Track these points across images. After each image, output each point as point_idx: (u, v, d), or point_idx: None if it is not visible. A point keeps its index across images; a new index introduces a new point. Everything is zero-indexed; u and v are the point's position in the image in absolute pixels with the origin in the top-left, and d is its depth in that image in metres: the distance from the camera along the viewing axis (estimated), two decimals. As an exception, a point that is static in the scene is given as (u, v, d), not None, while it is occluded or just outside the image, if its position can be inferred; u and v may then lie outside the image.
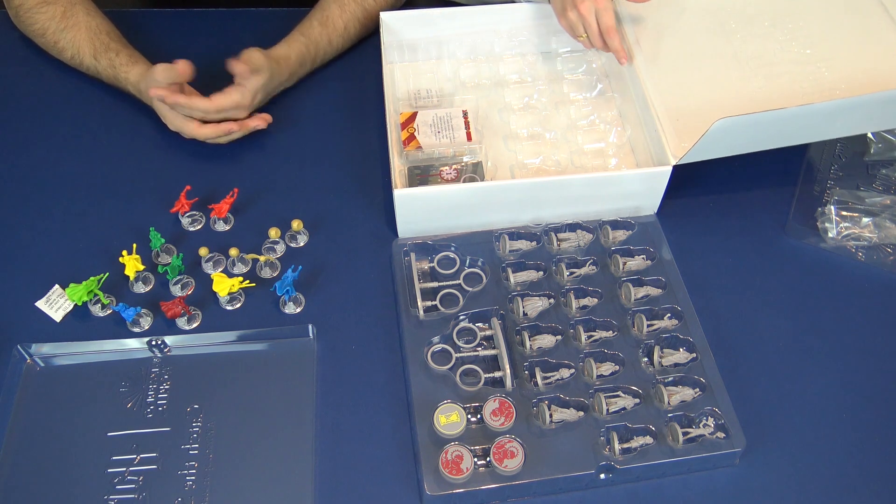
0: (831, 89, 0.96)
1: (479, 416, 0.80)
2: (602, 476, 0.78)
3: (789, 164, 1.05)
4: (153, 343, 0.86)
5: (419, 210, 0.93)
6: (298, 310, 0.91)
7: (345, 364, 0.86)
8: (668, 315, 0.88)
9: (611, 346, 0.86)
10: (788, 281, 0.94)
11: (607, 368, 0.84)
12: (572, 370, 0.83)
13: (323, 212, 1.00)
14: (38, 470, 0.78)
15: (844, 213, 0.97)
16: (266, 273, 0.94)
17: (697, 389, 0.82)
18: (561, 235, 0.94)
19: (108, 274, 0.91)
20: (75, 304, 0.89)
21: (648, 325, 0.87)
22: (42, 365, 0.86)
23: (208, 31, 1.18)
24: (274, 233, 0.93)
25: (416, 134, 1.01)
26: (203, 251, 0.92)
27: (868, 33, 1.01)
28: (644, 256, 0.93)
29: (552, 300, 0.89)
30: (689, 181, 0.99)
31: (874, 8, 1.03)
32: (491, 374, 0.83)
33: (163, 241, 0.94)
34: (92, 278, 0.89)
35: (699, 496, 0.78)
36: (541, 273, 0.91)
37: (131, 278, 0.91)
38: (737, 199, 1.02)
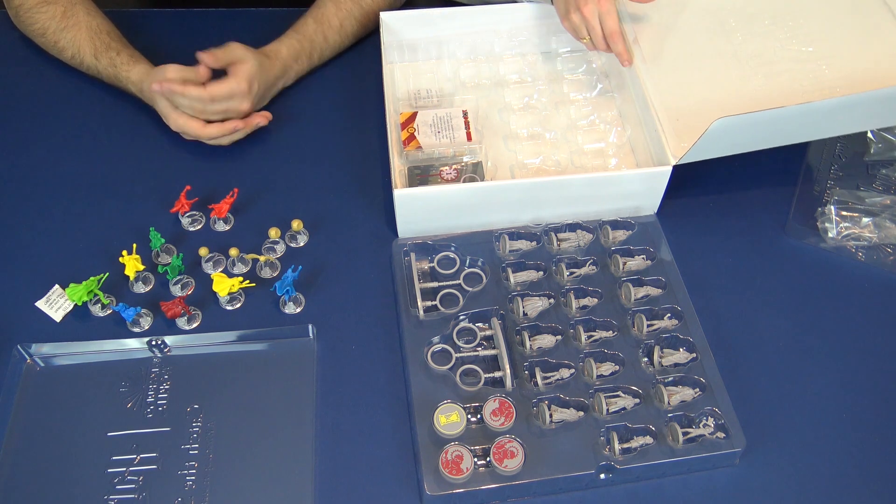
0: (832, 87, 0.96)
1: (479, 416, 0.80)
2: (602, 476, 0.78)
3: (789, 164, 1.04)
4: (153, 343, 0.86)
5: (419, 210, 0.93)
6: (298, 310, 0.91)
7: (345, 364, 0.86)
8: (668, 315, 0.88)
9: (611, 346, 0.86)
10: (788, 281, 0.94)
11: (607, 368, 0.84)
12: (572, 370, 0.83)
13: (323, 212, 1.00)
14: (38, 470, 0.78)
15: (844, 213, 0.97)
16: (266, 273, 0.94)
17: (697, 389, 0.82)
18: (561, 235, 0.94)
19: (108, 274, 0.91)
20: (75, 304, 0.89)
21: (648, 325, 0.87)
22: (42, 365, 0.86)
23: (208, 31, 1.18)
24: (274, 233, 0.93)
25: (416, 134, 1.01)
26: (203, 251, 0.92)
27: (869, 30, 1.01)
28: (644, 256, 0.93)
29: (552, 300, 0.89)
30: (689, 181, 0.99)
31: (876, 5, 1.03)
32: (491, 374, 0.83)
33: (163, 241, 0.94)
34: (92, 278, 0.89)
35: (699, 496, 0.78)
36: (541, 273, 0.91)
37: (131, 278, 0.91)
38: (737, 199, 1.02)
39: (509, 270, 0.91)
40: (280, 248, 0.96)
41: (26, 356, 0.86)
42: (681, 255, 0.94)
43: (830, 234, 0.96)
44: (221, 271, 0.93)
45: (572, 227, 0.95)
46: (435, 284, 0.91)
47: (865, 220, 0.96)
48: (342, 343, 0.88)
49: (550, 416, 0.79)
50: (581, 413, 0.80)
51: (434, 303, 0.89)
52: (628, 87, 1.05)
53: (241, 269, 0.94)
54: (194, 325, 0.89)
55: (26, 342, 0.86)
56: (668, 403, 0.81)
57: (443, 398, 0.81)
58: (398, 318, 0.89)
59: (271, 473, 0.78)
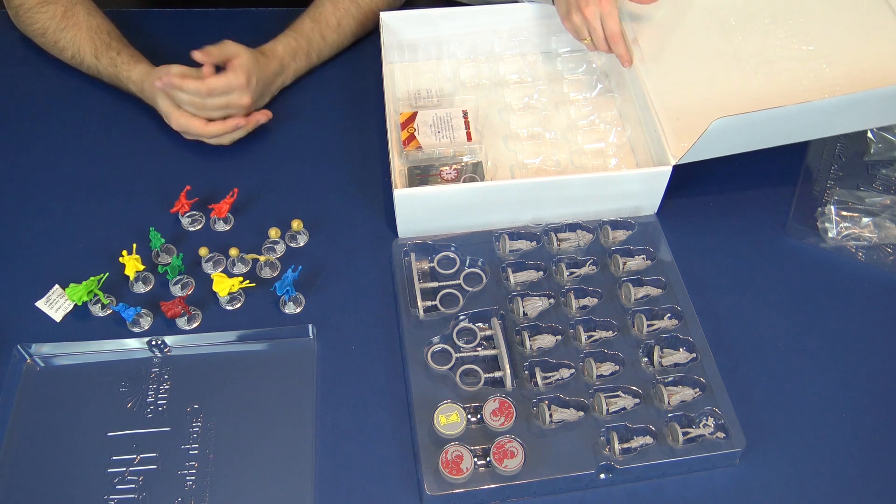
0: (832, 86, 0.96)
1: (479, 416, 0.80)
2: (602, 476, 0.78)
3: (789, 164, 1.05)
4: (153, 343, 0.86)
5: (419, 210, 0.93)
6: (298, 310, 0.91)
7: (345, 364, 0.86)
8: (668, 315, 0.88)
9: (611, 346, 0.86)
10: (788, 281, 0.94)
11: (607, 368, 0.84)
12: (572, 370, 0.83)
13: (323, 212, 1.00)
14: (38, 470, 0.78)
15: (844, 213, 0.97)
16: (266, 273, 0.94)
17: (697, 389, 0.82)
18: (561, 235, 0.94)
19: (108, 274, 0.91)
20: (75, 304, 0.89)
21: (648, 325, 0.87)
22: (42, 365, 0.86)
23: (208, 31, 1.18)
24: (274, 233, 0.93)
25: (416, 134, 1.01)
26: (203, 251, 0.92)
27: (870, 29, 1.01)
28: (644, 256, 0.93)
29: (552, 300, 0.89)
30: (688, 181, 0.99)
31: (876, 3, 1.02)
32: (491, 374, 0.83)
33: (163, 241, 0.94)
34: (92, 278, 0.89)
35: (699, 496, 0.78)
36: (541, 273, 0.91)
37: (131, 278, 0.91)
38: (737, 199, 1.02)
39: (509, 270, 0.91)
40: (280, 248, 0.96)
41: (26, 356, 0.86)
42: (681, 255, 0.94)
43: (830, 234, 0.96)
44: (221, 271, 0.93)
45: (572, 227, 0.95)
46: (435, 284, 0.91)
47: (865, 220, 0.96)
48: (342, 343, 0.88)
49: (550, 416, 0.79)
50: (581, 413, 0.80)
51: (434, 303, 0.89)
52: (628, 87, 1.05)
53: (241, 269, 0.94)
54: (194, 325, 0.89)
55: (26, 342, 0.86)
56: (668, 403, 0.81)
57: (443, 398, 0.81)
58: (398, 318, 0.89)
59: (271, 473, 0.78)
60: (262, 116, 1.04)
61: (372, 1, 1.15)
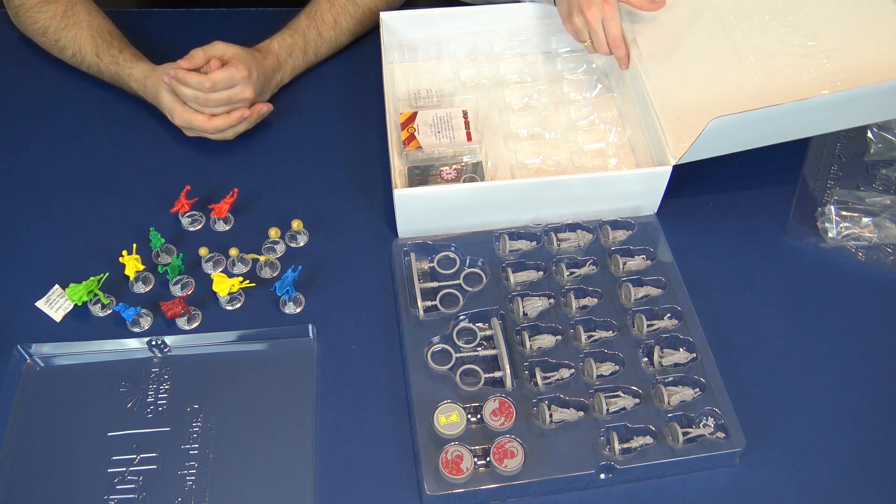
0: (833, 81, 0.95)
1: (479, 416, 0.80)
2: (602, 476, 0.78)
3: (789, 163, 1.04)
4: (153, 343, 0.86)
5: (419, 210, 0.93)
6: (298, 310, 0.91)
7: (345, 364, 0.86)
8: (668, 315, 0.88)
9: (611, 346, 0.86)
10: (788, 281, 0.94)
11: (607, 368, 0.84)
12: (572, 370, 0.83)
13: (323, 212, 1.00)
14: (38, 470, 0.78)
15: (844, 213, 0.97)
16: (266, 273, 0.94)
17: (697, 389, 0.82)
18: (561, 235, 0.94)
19: (108, 274, 0.91)
20: (75, 304, 0.89)
21: (648, 325, 0.87)
22: (42, 365, 0.86)
23: (208, 31, 1.18)
24: (274, 233, 0.93)
25: (416, 134, 1.01)
26: (203, 251, 0.92)
27: (870, 23, 1.00)
28: (644, 256, 0.93)
29: (552, 300, 0.89)
30: (688, 181, 0.99)
31: None
32: (491, 374, 0.83)
33: (163, 241, 0.94)
34: (92, 278, 0.89)
35: (699, 496, 0.78)
36: (541, 273, 0.91)
37: (131, 278, 0.91)
38: (737, 199, 1.02)
39: (509, 270, 0.91)
40: (280, 248, 0.96)
41: (26, 356, 0.86)
42: (681, 255, 0.94)
43: (830, 234, 0.96)
44: (221, 271, 0.93)
45: (572, 227, 0.95)
46: (435, 284, 0.91)
47: (865, 220, 0.96)
48: (342, 343, 0.88)
49: (550, 416, 0.79)
50: (581, 413, 0.80)
51: (434, 303, 0.89)
52: (628, 86, 1.05)
53: (241, 269, 0.94)
54: (194, 325, 0.89)
55: (26, 342, 0.86)
56: (668, 403, 0.81)
57: (443, 398, 0.81)
58: (398, 318, 0.89)
59: (271, 473, 0.78)
60: (265, 108, 1.04)
61: None
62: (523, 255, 0.93)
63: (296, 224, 0.94)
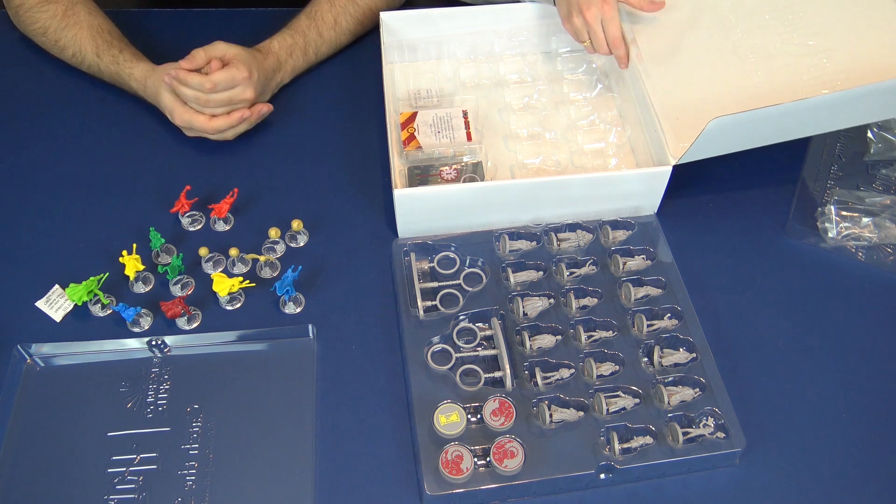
0: (833, 80, 0.95)
1: (479, 416, 0.80)
2: (602, 476, 0.78)
3: (789, 163, 1.04)
4: (153, 343, 0.86)
5: (419, 210, 0.93)
6: (298, 310, 0.91)
7: (345, 364, 0.86)
8: (668, 315, 0.88)
9: (611, 346, 0.86)
10: (788, 281, 0.94)
11: (607, 368, 0.84)
12: (572, 370, 0.83)
13: (323, 212, 1.00)
14: (38, 470, 0.78)
15: (844, 213, 0.97)
16: (266, 273, 0.94)
17: (697, 389, 0.82)
18: (561, 235, 0.94)
19: (108, 274, 0.91)
20: (75, 304, 0.89)
21: (648, 325, 0.87)
22: (42, 365, 0.86)
23: (208, 31, 1.18)
24: (274, 233, 0.93)
25: (416, 134, 1.01)
26: (203, 251, 0.92)
27: (871, 22, 1.00)
28: (644, 256, 0.93)
29: (552, 300, 0.89)
30: (688, 181, 0.99)
31: None
32: (491, 374, 0.83)
33: (163, 241, 0.94)
34: (92, 278, 0.89)
35: (699, 496, 0.78)
36: (541, 273, 0.91)
37: (131, 278, 0.91)
38: (737, 199, 1.02)
39: (509, 270, 0.91)
40: (280, 248, 0.96)
41: (26, 356, 0.86)
42: (681, 255, 0.94)
43: (830, 234, 0.96)
44: (221, 271, 0.93)
45: (572, 227, 0.95)
46: (435, 284, 0.91)
47: (865, 220, 0.96)
48: (342, 343, 0.88)
49: (550, 416, 0.79)
50: (581, 413, 0.80)
51: (434, 303, 0.89)
52: (628, 86, 1.05)
53: (241, 269, 0.94)
54: (194, 325, 0.89)
55: (26, 342, 0.86)
56: (668, 403, 0.81)
57: (443, 398, 0.81)
58: (398, 318, 0.89)
59: (271, 473, 0.78)
60: (265, 108, 1.04)
61: None
62: (523, 255, 0.93)
63: (296, 224, 0.94)
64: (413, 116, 1.02)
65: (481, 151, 1.02)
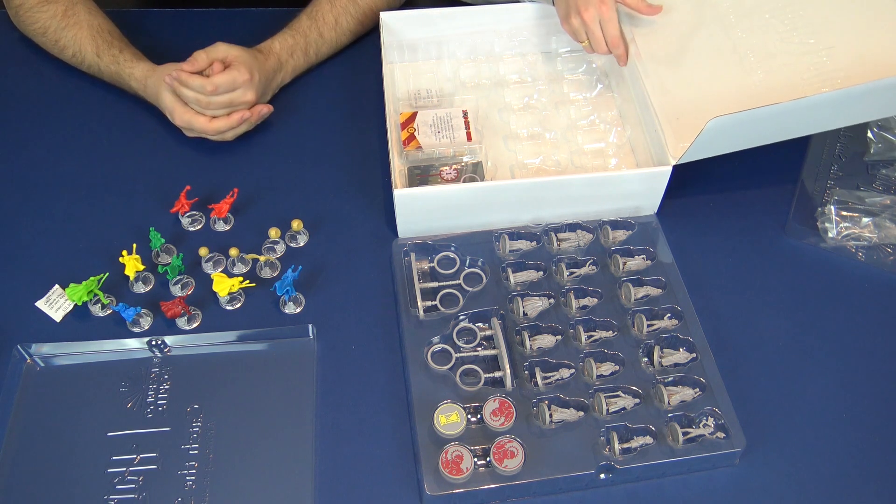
0: (833, 79, 0.95)
1: (479, 416, 0.80)
2: (602, 476, 0.78)
3: (789, 163, 1.04)
4: (153, 343, 0.86)
5: (419, 210, 0.93)
6: (298, 310, 0.91)
7: (345, 364, 0.86)
8: (668, 315, 0.88)
9: (611, 346, 0.86)
10: (788, 281, 0.94)
11: (607, 368, 0.84)
12: (572, 370, 0.83)
13: (323, 212, 1.00)
14: (38, 470, 0.78)
15: (844, 213, 0.97)
16: (266, 273, 0.94)
17: (697, 389, 0.82)
18: (561, 235, 0.94)
19: (108, 274, 0.91)
20: (75, 304, 0.89)
21: (648, 325, 0.87)
22: (42, 365, 0.86)
23: (208, 31, 1.18)
24: (274, 233, 0.93)
25: (416, 134, 1.01)
26: (203, 251, 0.92)
27: (871, 18, 1.00)
28: (644, 256, 0.93)
29: (552, 300, 0.89)
30: (688, 181, 0.99)
31: None
32: (491, 374, 0.83)
33: (163, 241, 0.94)
34: (92, 278, 0.89)
35: (699, 496, 0.78)
36: (541, 273, 0.91)
37: (131, 278, 0.91)
38: (737, 199, 1.02)
39: (509, 270, 0.91)
40: (280, 248, 0.96)
41: (26, 356, 0.86)
42: (681, 255, 0.94)
43: (830, 234, 0.96)
44: (221, 271, 0.93)
45: (572, 227, 0.95)
46: (435, 284, 0.91)
47: (865, 220, 0.96)
48: (342, 343, 0.88)
49: (550, 416, 0.79)
50: (581, 413, 0.80)
51: (434, 303, 0.89)
52: (628, 86, 1.05)
53: (241, 269, 0.94)
54: (194, 325, 0.89)
55: (26, 342, 0.86)
56: (668, 403, 0.81)
57: (443, 398, 0.81)
58: (398, 318, 0.89)
59: (271, 473, 0.78)
60: (266, 109, 1.04)
61: None
62: (523, 255, 0.93)
63: (296, 224, 0.94)
64: (413, 116, 1.02)
65: (481, 151, 1.02)
